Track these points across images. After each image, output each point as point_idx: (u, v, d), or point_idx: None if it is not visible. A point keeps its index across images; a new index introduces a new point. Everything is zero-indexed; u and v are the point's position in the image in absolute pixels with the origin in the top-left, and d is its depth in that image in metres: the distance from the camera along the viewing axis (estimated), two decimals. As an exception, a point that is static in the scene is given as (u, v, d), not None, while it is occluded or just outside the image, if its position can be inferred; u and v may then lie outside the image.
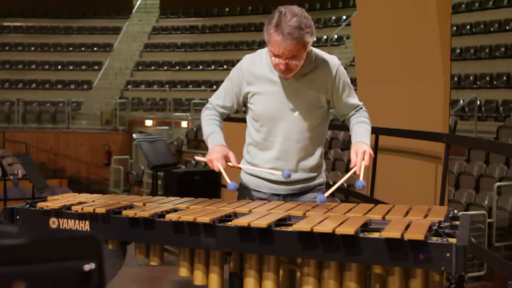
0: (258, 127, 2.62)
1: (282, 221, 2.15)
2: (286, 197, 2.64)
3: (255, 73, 2.57)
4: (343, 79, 2.60)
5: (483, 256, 4.31)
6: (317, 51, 2.61)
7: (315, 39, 2.49)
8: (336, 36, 16.67)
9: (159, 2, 21.65)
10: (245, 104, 2.69)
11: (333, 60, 2.60)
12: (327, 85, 2.56)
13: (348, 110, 2.70)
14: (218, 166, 2.44)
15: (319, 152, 2.65)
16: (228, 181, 2.41)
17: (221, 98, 2.68)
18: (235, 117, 5.23)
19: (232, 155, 2.48)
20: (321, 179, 2.71)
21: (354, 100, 2.69)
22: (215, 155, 2.46)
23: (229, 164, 2.48)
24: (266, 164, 2.60)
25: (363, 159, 2.41)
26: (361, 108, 2.73)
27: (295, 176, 2.60)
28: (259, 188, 2.66)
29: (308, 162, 2.62)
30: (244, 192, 2.72)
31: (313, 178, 2.67)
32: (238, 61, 2.75)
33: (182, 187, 6.47)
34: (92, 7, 20.86)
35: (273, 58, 2.43)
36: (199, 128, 13.80)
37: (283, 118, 2.56)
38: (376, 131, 5.02)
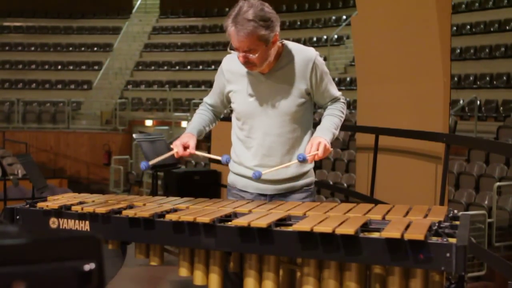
0: (241, 125, 2.65)
1: (282, 221, 2.15)
2: (273, 197, 2.63)
3: (233, 71, 2.61)
4: (321, 70, 2.59)
5: (483, 256, 4.31)
6: (293, 44, 2.62)
7: (277, 32, 2.46)
8: (336, 36, 16.66)
9: (159, 2, 21.65)
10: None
11: (310, 52, 2.59)
12: (305, 77, 2.55)
13: (326, 101, 2.69)
14: (174, 151, 2.56)
15: (304, 145, 2.61)
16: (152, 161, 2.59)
17: (210, 98, 2.80)
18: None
19: (192, 143, 2.57)
20: (309, 179, 2.68)
21: (332, 91, 2.67)
22: (177, 141, 2.59)
23: (188, 150, 2.55)
24: (252, 162, 2.61)
25: (317, 150, 2.44)
26: (339, 99, 2.71)
27: (282, 175, 2.59)
28: (246, 188, 2.67)
29: (294, 157, 2.58)
30: (231, 192, 2.74)
31: (301, 176, 2.64)
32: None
33: (182, 187, 6.47)
34: (92, 7, 20.85)
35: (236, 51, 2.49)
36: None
37: (262, 113, 2.57)
38: (376, 131, 5.03)
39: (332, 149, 2.56)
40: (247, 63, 2.46)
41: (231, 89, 2.64)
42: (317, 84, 2.58)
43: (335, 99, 2.69)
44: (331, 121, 2.63)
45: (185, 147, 2.55)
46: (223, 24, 2.46)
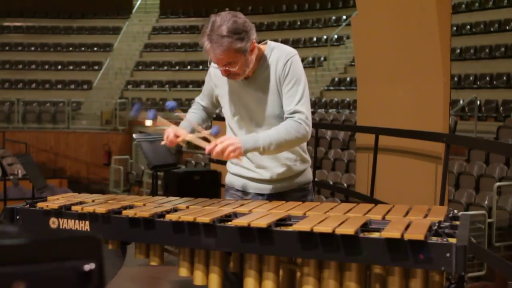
0: (231, 127, 2.68)
1: (282, 221, 2.15)
2: (270, 197, 2.63)
3: (219, 75, 2.60)
4: (290, 70, 2.47)
5: (483, 256, 4.31)
6: (276, 44, 2.59)
7: (253, 39, 2.44)
8: (336, 36, 16.66)
9: (159, 2, 21.64)
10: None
11: (287, 52, 2.53)
12: (281, 75, 2.51)
13: (285, 108, 2.47)
14: (168, 133, 2.54)
15: (297, 146, 2.60)
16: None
17: (202, 99, 2.83)
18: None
19: (183, 133, 2.54)
20: (306, 177, 2.68)
21: (292, 100, 2.45)
22: (169, 129, 2.57)
23: (178, 139, 2.53)
24: (248, 164, 2.63)
25: (221, 144, 2.33)
26: (294, 115, 2.43)
27: (277, 174, 2.60)
28: (243, 188, 2.69)
29: (286, 155, 2.58)
30: (229, 192, 2.76)
31: (297, 175, 2.65)
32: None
33: (182, 187, 6.47)
34: (92, 7, 20.85)
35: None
36: (199, 128, 13.77)
37: (249, 117, 2.58)
38: (376, 131, 5.03)
39: (241, 157, 2.41)
40: (229, 75, 2.47)
41: (218, 93, 2.68)
42: (282, 82, 2.49)
43: (290, 112, 2.45)
44: (270, 135, 2.40)
45: (176, 136, 2.54)
46: (199, 41, 2.44)
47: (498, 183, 6.99)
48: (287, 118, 2.46)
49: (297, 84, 2.47)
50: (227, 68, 2.43)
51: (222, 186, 6.67)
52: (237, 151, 2.34)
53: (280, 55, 2.52)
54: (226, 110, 2.66)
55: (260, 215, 2.19)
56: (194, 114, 2.79)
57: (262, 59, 2.54)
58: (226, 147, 2.33)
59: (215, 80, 2.67)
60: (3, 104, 17.29)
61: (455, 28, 12.55)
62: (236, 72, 2.45)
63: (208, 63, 2.56)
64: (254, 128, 2.58)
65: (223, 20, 2.39)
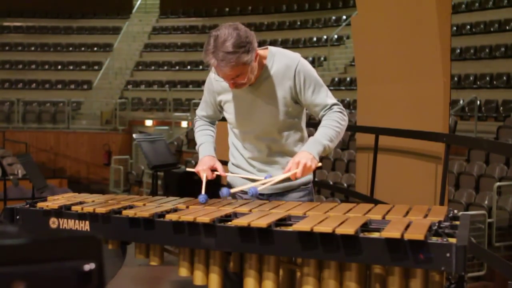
0: (234, 131, 2.69)
1: (282, 221, 2.15)
2: (270, 197, 2.64)
3: (222, 82, 2.58)
4: (305, 76, 2.50)
5: (483, 256, 4.31)
6: (277, 50, 2.58)
7: (256, 47, 2.43)
8: (336, 36, 16.66)
9: (159, 2, 21.65)
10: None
11: (292, 58, 2.53)
12: (290, 84, 2.51)
13: (317, 109, 2.55)
14: (203, 176, 2.55)
15: (298, 149, 2.61)
16: (202, 192, 2.53)
17: (204, 110, 2.80)
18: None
19: (219, 165, 2.59)
20: (306, 177, 2.67)
21: (321, 98, 2.53)
22: (202, 166, 2.59)
23: (216, 173, 2.56)
24: (249, 166, 2.65)
25: (297, 168, 2.40)
26: (332, 107, 2.55)
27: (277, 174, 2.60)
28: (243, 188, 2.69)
29: (287, 159, 2.58)
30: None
31: None
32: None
33: (182, 187, 6.47)
34: (92, 7, 20.85)
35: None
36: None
37: (252, 123, 2.59)
38: (376, 131, 5.03)
39: (320, 163, 2.48)
40: (237, 86, 2.47)
41: (221, 99, 2.66)
42: (302, 90, 2.52)
43: (327, 107, 2.55)
44: (324, 132, 2.49)
45: (213, 170, 2.56)
46: (203, 59, 2.39)
47: (498, 183, 6.99)
48: (325, 113, 2.54)
49: (318, 84, 2.54)
50: (234, 81, 2.42)
51: (222, 186, 6.66)
52: (314, 162, 2.41)
53: (287, 64, 2.51)
54: (230, 116, 2.65)
55: (260, 215, 2.19)
56: (206, 132, 2.77)
57: (265, 64, 2.53)
58: (304, 166, 2.38)
59: (217, 87, 2.65)
60: (3, 104, 17.29)
61: (455, 28, 12.55)
62: (244, 83, 2.45)
63: (214, 77, 2.56)
64: (258, 133, 2.59)
65: (226, 36, 2.33)
